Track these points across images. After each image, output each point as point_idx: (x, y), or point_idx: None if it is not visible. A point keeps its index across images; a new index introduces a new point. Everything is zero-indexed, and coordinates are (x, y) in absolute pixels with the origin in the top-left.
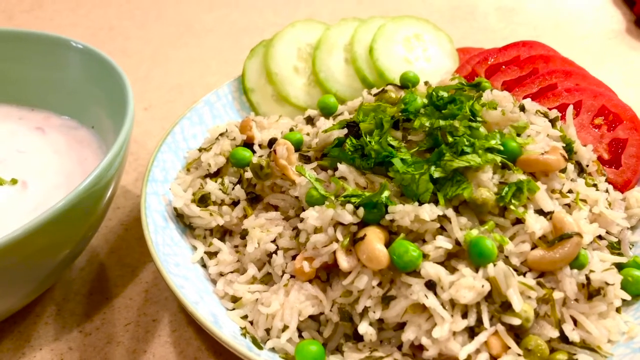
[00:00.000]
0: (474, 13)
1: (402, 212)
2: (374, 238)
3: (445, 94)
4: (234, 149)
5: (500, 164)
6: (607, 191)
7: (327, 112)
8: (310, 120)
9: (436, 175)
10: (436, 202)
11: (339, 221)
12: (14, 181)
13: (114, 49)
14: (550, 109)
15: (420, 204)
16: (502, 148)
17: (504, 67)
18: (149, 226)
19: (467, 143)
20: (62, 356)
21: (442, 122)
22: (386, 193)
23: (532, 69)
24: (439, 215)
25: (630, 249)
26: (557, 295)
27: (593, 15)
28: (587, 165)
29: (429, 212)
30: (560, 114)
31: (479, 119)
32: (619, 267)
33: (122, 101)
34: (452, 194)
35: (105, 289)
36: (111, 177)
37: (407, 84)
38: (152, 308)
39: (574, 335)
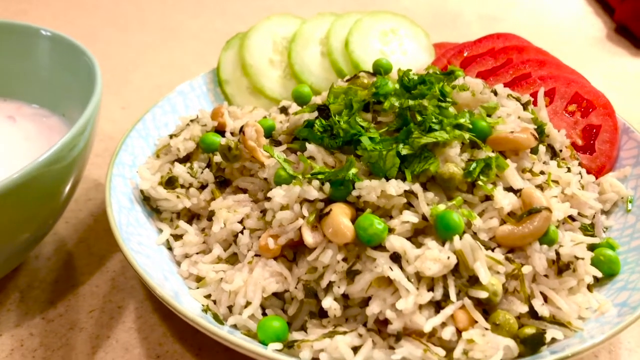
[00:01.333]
0: (456, 21)
1: (369, 188)
2: (340, 212)
3: (415, 77)
4: (204, 134)
5: (469, 142)
6: (580, 174)
7: (301, 101)
8: (284, 110)
9: (404, 152)
10: (403, 179)
11: (305, 198)
12: None
13: (95, 51)
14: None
15: (387, 180)
16: (470, 126)
17: (478, 59)
18: (113, 205)
19: (435, 120)
20: (23, 342)
21: (411, 102)
22: (353, 170)
23: (507, 59)
24: (405, 191)
25: (604, 232)
26: (526, 270)
27: (574, 24)
28: (561, 150)
29: (395, 187)
30: (532, 99)
31: (448, 99)
32: (593, 248)
33: (91, 86)
34: (419, 169)
35: (72, 277)
36: (74, 158)
37: (379, 70)
38: (118, 295)
39: (543, 310)
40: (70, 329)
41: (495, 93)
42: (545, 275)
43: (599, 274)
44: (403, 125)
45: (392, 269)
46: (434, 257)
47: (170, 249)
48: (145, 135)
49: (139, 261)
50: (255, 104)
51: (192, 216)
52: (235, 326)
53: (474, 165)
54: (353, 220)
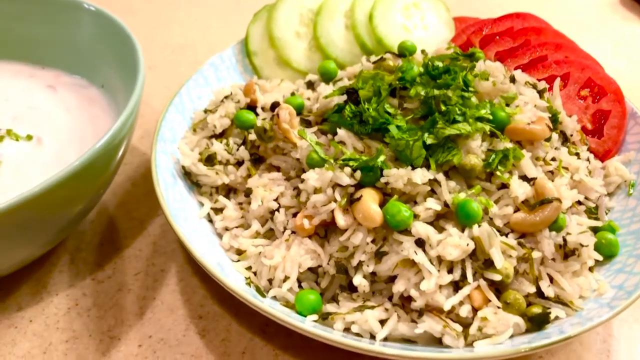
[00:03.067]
0: None
1: (396, 176)
2: (370, 199)
3: (440, 64)
4: (238, 112)
5: (489, 133)
6: (588, 160)
7: (327, 77)
8: (310, 85)
9: (429, 141)
10: (428, 167)
11: (337, 183)
12: (29, 137)
13: (118, 7)
14: (539, 80)
15: (413, 168)
16: (491, 117)
17: (497, 37)
18: (160, 183)
19: (458, 112)
20: (77, 301)
21: (436, 92)
22: (382, 157)
23: (525, 41)
24: (429, 179)
25: (607, 214)
26: (536, 254)
27: None
28: (572, 135)
29: (420, 176)
30: (548, 86)
31: (471, 89)
32: (595, 230)
33: (132, 63)
34: (442, 159)
35: (116, 240)
36: (123, 137)
37: (404, 52)
38: (160, 259)
39: (549, 291)
40: (118, 290)
41: (513, 79)
42: (553, 259)
43: (600, 258)
44: (428, 112)
45: (416, 253)
46: (454, 244)
47: (210, 221)
48: (182, 109)
49: (188, 237)
50: (281, 75)
51: (229, 190)
52: (274, 297)
53: (493, 156)
54: (381, 205)
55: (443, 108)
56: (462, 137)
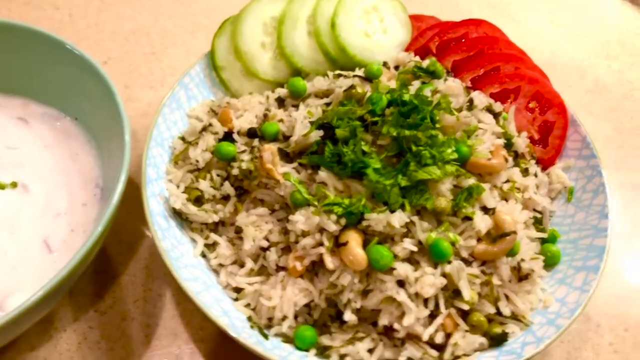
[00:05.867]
0: None
1: (376, 220)
2: (355, 244)
3: (407, 98)
4: (218, 145)
5: (455, 174)
6: (535, 175)
7: (297, 94)
8: (281, 102)
9: (403, 184)
10: (403, 206)
11: (323, 227)
12: (14, 185)
13: None
14: (493, 94)
15: (390, 208)
16: (457, 156)
17: (452, 44)
18: (158, 232)
19: (428, 155)
20: (85, 335)
21: (407, 132)
22: (362, 202)
23: (478, 50)
24: (406, 222)
25: (551, 217)
26: (496, 280)
27: None
28: (522, 153)
29: (398, 219)
30: (503, 108)
31: (437, 126)
32: (542, 240)
33: (107, 102)
34: (416, 201)
35: (109, 268)
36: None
37: (371, 76)
38: (154, 284)
39: (506, 310)
40: (122, 319)
41: (471, 102)
42: (509, 280)
43: (547, 275)
44: (400, 150)
45: (398, 293)
46: (430, 283)
47: (203, 255)
48: (160, 141)
49: (196, 292)
50: (250, 86)
51: (217, 223)
52: (276, 334)
53: (460, 196)
54: (363, 243)
55: (414, 148)
56: (433, 180)
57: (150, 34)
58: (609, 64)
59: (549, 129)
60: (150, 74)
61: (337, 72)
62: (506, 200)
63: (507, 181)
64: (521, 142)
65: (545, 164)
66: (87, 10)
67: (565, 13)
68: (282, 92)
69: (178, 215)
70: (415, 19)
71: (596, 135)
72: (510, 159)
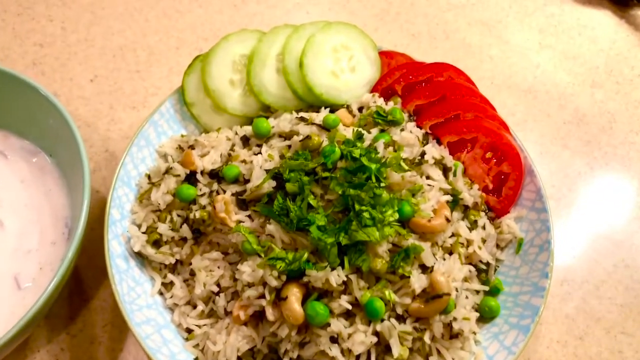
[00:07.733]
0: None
1: (316, 277)
2: (294, 300)
3: (357, 154)
4: (179, 187)
5: (394, 236)
6: (484, 227)
7: (261, 135)
8: (246, 141)
9: (344, 242)
10: (343, 263)
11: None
12: None
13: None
14: (451, 143)
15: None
16: (397, 216)
17: (417, 87)
18: (115, 276)
19: (368, 217)
20: (57, 356)
21: (351, 191)
22: (304, 257)
23: (441, 95)
24: (343, 280)
25: (498, 267)
26: (427, 337)
27: None
28: (471, 207)
29: (336, 277)
30: (455, 165)
31: (382, 184)
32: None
33: (76, 157)
34: (354, 261)
35: (82, 291)
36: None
37: (328, 126)
38: None
39: None
40: (91, 343)
41: (423, 154)
42: (442, 335)
43: (484, 328)
44: (346, 206)
45: (331, 349)
46: (361, 340)
47: (161, 293)
48: (127, 180)
49: (150, 346)
50: (219, 120)
51: (175, 262)
52: None
53: (396, 257)
54: (303, 297)
55: (357, 207)
56: (371, 242)
57: (137, 50)
58: (592, 93)
59: (504, 180)
60: (134, 94)
61: (300, 114)
62: (451, 253)
63: (453, 235)
64: (469, 198)
65: (498, 213)
66: (78, 24)
67: (556, 34)
68: (247, 130)
69: (139, 255)
70: (385, 55)
71: (569, 171)
72: (456, 214)
